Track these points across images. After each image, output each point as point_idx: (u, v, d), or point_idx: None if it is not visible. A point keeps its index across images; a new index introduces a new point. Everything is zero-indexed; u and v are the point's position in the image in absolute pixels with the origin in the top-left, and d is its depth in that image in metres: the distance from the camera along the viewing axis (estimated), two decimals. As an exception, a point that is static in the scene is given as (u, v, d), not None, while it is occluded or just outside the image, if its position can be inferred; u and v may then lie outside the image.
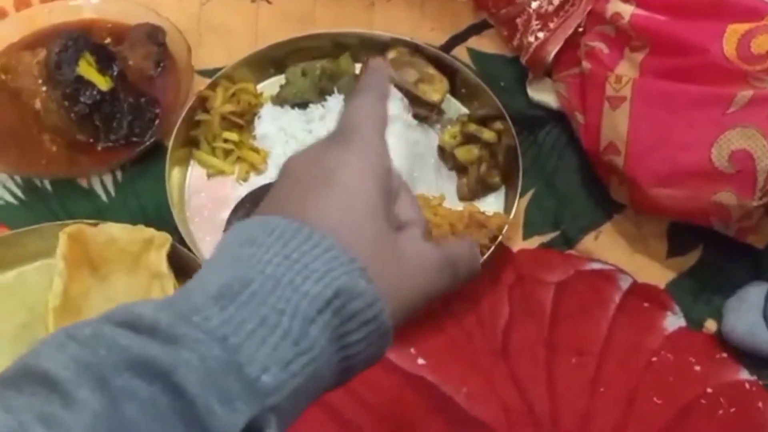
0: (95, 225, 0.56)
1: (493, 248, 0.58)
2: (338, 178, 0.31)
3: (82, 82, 0.61)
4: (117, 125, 0.63)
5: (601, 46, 0.65)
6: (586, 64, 0.65)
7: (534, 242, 0.63)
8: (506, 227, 0.59)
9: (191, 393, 0.24)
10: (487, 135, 0.65)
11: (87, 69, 0.60)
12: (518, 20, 0.72)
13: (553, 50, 0.69)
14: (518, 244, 0.63)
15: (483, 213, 0.60)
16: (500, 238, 0.58)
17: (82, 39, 0.62)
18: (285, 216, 0.29)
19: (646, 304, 0.61)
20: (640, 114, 0.60)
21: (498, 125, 0.66)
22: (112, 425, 0.23)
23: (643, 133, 0.60)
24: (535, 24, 0.70)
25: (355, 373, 0.30)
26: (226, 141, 0.66)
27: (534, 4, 0.70)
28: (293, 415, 0.28)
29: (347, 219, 0.30)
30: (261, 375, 0.25)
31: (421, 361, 0.56)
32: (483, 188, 0.65)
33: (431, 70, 0.71)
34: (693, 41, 0.59)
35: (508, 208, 0.64)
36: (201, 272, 0.29)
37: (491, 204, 0.65)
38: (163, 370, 0.24)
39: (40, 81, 0.62)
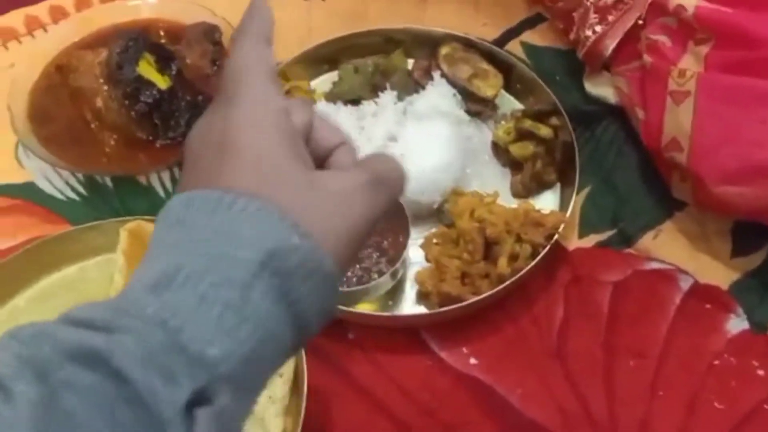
0: (154, 221, 0.57)
1: (549, 247, 0.56)
2: (236, 137, 0.30)
3: (142, 82, 0.62)
4: (175, 123, 0.64)
5: (663, 39, 0.63)
6: (647, 58, 0.63)
7: (590, 241, 0.62)
8: (562, 225, 0.58)
9: (132, 376, 0.24)
10: (543, 131, 0.64)
11: (147, 68, 0.62)
12: (575, 13, 0.70)
13: (611, 44, 0.67)
14: (574, 243, 0.62)
15: (538, 211, 0.59)
16: (556, 236, 0.57)
17: (142, 39, 0.63)
18: (203, 188, 0.29)
19: (707, 306, 0.59)
20: (706, 110, 0.58)
21: (554, 121, 0.65)
22: (50, 415, 0.24)
23: (709, 129, 0.57)
24: (592, 17, 0.68)
25: (314, 330, 0.29)
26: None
27: (592, -3, 0.68)
28: (255, 381, 0.28)
29: (263, 176, 0.29)
30: (206, 348, 0.26)
31: (473, 360, 0.55)
32: (538, 185, 0.64)
33: (485, 66, 0.70)
34: (760, 34, 0.57)
35: (563, 206, 0.63)
36: (140, 266, 0.29)
37: (546, 201, 0.64)
38: (103, 357, 0.25)
39: (101, 80, 0.64)
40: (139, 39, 0.63)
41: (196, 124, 0.32)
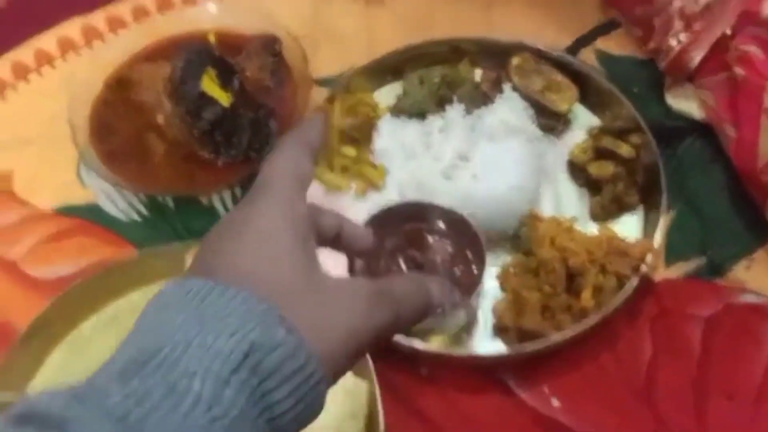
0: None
1: (637, 280, 0.53)
2: (247, 228, 0.30)
3: (205, 99, 0.60)
4: (237, 141, 0.62)
5: (755, 51, 0.59)
6: (738, 71, 0.59)
7: (677, 270, 0.58)
8: (650, 256, 0.54)
9: None
10: (625, 150, 0.60)
11: (210, 85, 0.60)
12: (656, 20, 0.66)
13: (698, 55, 0.63)
14: (659, 272, 0.58)
15: (623, 239, 0.55)
16: (644, 268, 0.54)
17: (205, 53, 0.61)
18: (200, 276, 0.28)
19: (806, 342, 0.55)
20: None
21: (635, 139, 0.61)
22: None
23: None
24: (677, 25, 0.64)
25: None
26: (343, 156, 0.64)
27: (676, 4, 0.64)
28: None
29: (261, 265, 0.29)
30: None
31: (555, 402, 0.52)
32: (618, 208, 0.60)
33: (558, 77, 0.66)
34: None
35: (646, 231, 0.59)
36: (120, 345, 0.27)
37: (626, 225, 0.60)
38: None
39: (164, 96, 0.62)
40: (202, 53, 0.61)
41: (220, 219, 0.32)
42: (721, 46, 0.62)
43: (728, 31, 0.61)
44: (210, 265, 0.29)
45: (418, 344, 0.53)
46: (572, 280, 0.54)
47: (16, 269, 0.63)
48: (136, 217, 0.64)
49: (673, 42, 0.64)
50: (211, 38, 0.70)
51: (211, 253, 0.30)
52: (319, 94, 0.68)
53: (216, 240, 0.30)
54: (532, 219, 0.57)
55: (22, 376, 0.54)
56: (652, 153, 0.60)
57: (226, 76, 0.62)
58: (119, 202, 0.65)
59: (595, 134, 0.63)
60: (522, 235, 0.58)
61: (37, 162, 0.69)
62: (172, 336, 0.26)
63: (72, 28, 0.79)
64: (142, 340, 0.26)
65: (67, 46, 0.78)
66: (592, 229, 0.59)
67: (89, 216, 0.64)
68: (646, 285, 0.56)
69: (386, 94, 0.70)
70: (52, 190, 0.67)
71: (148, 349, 0.25)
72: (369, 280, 0.31)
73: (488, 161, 0.59)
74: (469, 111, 0.64)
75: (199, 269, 0.29)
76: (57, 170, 0.68)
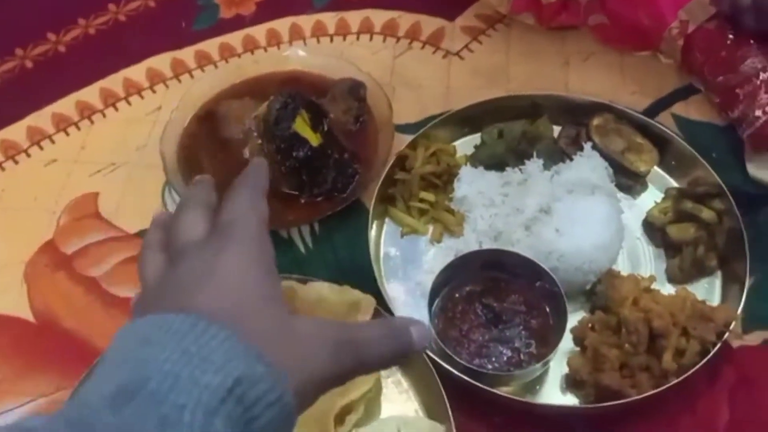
0: (305, 282, 0.56)
1: (719, 346, 0.53)
2: (220, 267, 0.31)
3: (297, 138, 0.62)
4: (322, 180, 0.64)
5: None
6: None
7: (756, 337, 0.57)
8: (734, 323, 0.54)
9: None
10: (707, 214, 0.60)
11: (302, 126, 0.62)
12: (739, 90, 0.67)
13: (781, 125, 0.63)
14: (738, 339, 0.57)
15: (704, 302, 0.55)
16: (727, 334, 0.53)
17: (299, 97, 0.63)
18: (177, 312, 0.29)
19: None
20: None
21: (717, 204, 0.61)
22: None
23: None
24: (762, 97, 0.64)
25: None
26: (422, 201, 0.66)
27: (762, 76, 0.65)
28: None
29: (239, 306, 0.30)
30: None
31: (631, 463, 0.52)
32: (697, 271, 0.60)
33: (639, 139, 0.67)
34: None
35: (724, 296, 0.59)
36: (94, 375, 0.28)
37: (703, 289, 0.60)
38: None
39: (254, 133, 0.64)
40: (297, 96, 0.63)
41: (187, 260, 0.33)
42: (805, 118, 0.62)
43: (814, 105, 0.62)
44: (184, 302, 0.30)
45: (494, 391, 0.53)
46: (654, 340, 0.53)
47: (97, 287, 0.65)
48: (217, 246, 0.66)
49: (758, 113, 0.65)
50: (283, 80, 0.72)
51: (185, 292, 0.31)
52: (397, 140, 0.70)
53: (190, 279, 0.32)
54: (610, 277, 0.58)
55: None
56: (734, 218, 0.60)
57: (317, 118, 0.64)
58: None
59: (675, 197, 0.63)
60: (599, 292, 0.58)
61: (123, 187, 0.72)
62: (160, 368, 0.27)
63: (162, 62, 0.82)
64: (127, 369, 0.27)
65: (156, 79, 0.81)
66: (668, 290, 0.59)
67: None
68: (726, 350, 0.55)
69: (464, 145, 0.71)
70: (137, 214, 0.69)
71: (135, 380, 0.27)
72: (337, 326, 0.33)
73: (571, 216, 0.60)
74: (547, 166, 0.66)
75: (172, 306, 0.30)
76: (142, 195, 0.70)
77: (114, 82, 0.81)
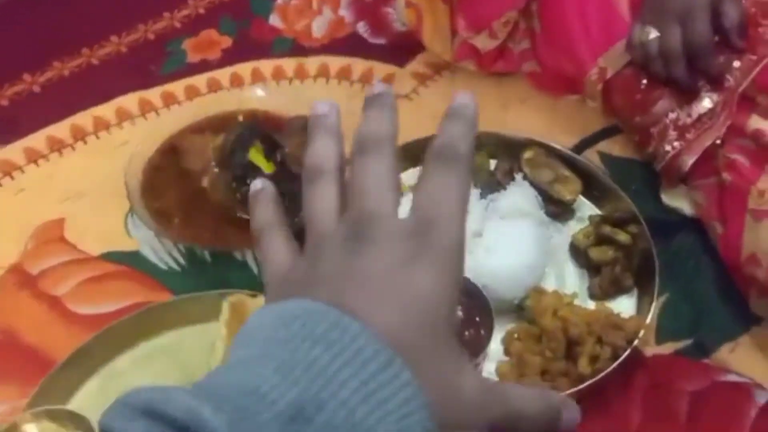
0: (254, 296, 0.61)
1: (629, 350, 0.58)
2: (411, 283, 0.26)
3: (250, 167, 0.67)
4: (274, 206, 0.69)
5: (741, 159, 0.67)
6: (726, 176, 0.66)
7: (667, 348, 0.63)
8: (642, 331, 0.60)
9: None
10: (622, 237, 0.67)
11: (256, 156, 0.67)
12: (653, 129, 0.74)
13: (689, 160, 0.70)
14: (651, 349, 0.63)
15: (618, 315, 0.61)
16: (636, 341, 0.59)
17: (255, 129, 0.69)
18: (363, 322, 0.24)
19: (785, 423, 0.59)
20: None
21: (632, 228, 0.68)
22: None
23: None
24: (671, 134, 0.72)
25: None
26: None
27: (671, 115, 0.72)
28: None
29: (421, 339, 0.25)
30: None
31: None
32: (615, 289, 0.66)
33: (566, 172, 0.74)
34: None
35: (640, 311, 0.65)
36: (253, 360, 0.24)
37: (622, 305, 0.66)
38: None
39: (212, 163, 0.70)
40: (252, 129, 0.69)
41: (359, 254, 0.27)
42: (711, 153, 0.70)
43: (718, 141, 0.69)
44: (359, 310, 0.25)
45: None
46: (571, 348, 0.59)
47: (60, 305, 0.68)
48: (175, 266, 0.71)
49: (668, 148, 0.72)
50: (243, 116, 0.78)
51: (358, 297, 0.26)
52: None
53: (364, 282, 0.26)
54: (536, 293, 0.63)
55: (59, 398, 0.58)
56: (646, 241, 0.66)
57: (271, 149, 0.70)
58: (161, 253, 0.71)
59: (596, 222, 0.69)
60: (526, 307, 0.63)
61: (88, 213, 0.76)
62: (335, 394, 0.23)
63: (130, 101, 0.88)
64: (301, 380, 0.23)
65: (124, 116, 0.87)
66: (590, 306, 0.65)
67: (132, 263, 0.71)
68: (638, 358, 0.61)
69: (409, 177, 0.77)
70: (100, 238, 0.73)
71: (313, 399, 0.23)
72: (500, 399, 0.28)
73: (501, 239, 0.66)
74: (483, 195, 0.72)
75: (340, 302, 0.25)
76: (106, 221, 0.75)
77: (84, 118, 0.86)
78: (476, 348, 0.60)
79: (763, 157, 0.65)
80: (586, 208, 0.74)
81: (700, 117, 0.72)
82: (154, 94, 0.89)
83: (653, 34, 0.72)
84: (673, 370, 0.61)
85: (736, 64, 0.71)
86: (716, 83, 0.71)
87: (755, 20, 0.73)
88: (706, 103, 0.72)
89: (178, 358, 0.62)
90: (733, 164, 0.66)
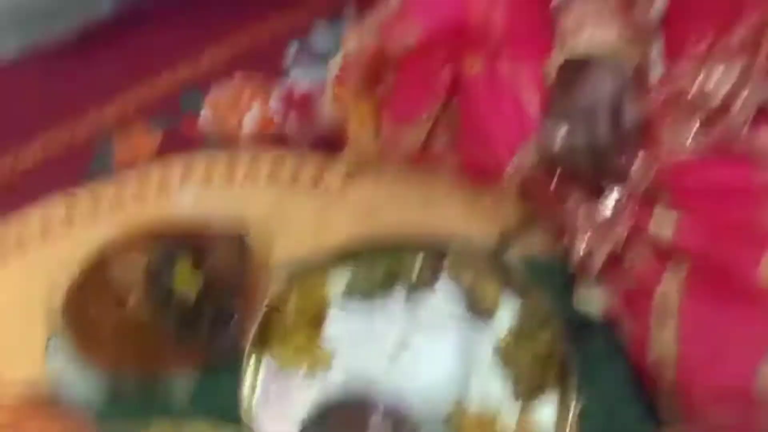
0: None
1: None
2: None
3: (175, 293, 0.68)
4: (200, 328, 0.70)
5: (645, 260, 0.70)
6: (631, 279, 0.69)
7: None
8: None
9: None
10: (543, 337, 0.69)
11: (181, 276, 0.68)
12: (566, 224, 0.77)
13: (599, 258, 0.73)
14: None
15: None
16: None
17: (179, 248, 0.70)
18: None
19: None
20: (689, 332, 0.62)
21: (551, 330, 0.71)
22: None
23: (693, 350, 0.62)
24: (583, 229, 0.74)
25: None
26: (297, 338, 0.72)
27: (582, 209, 0.74)
28: None
29: None
30: None
31: None
32: (537, 391, 0.69)
33: (488, 271, 0.77)
34: (732, 268, 0.63)
35: (561, 415, 0.67)
36: None
37: (544, 406, 0.68)
38: None
39: (137, 283, 0.70)
40: (178, 246, 0.70)
41: None
42: (618, 253, 0.73)
43: (623, 241, 0.72)
44: None
45: None
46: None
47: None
48: (98, 396, 0.70)
49: (580, 244, 0.75)
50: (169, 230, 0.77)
51: None
52: (275, 279, 0.76)
53: None
54: (458, 415, 0.66)
55: None
56: (563, 343, 0.69)
57: (196, 267, 0.71)
58: (84, 379, 0.70)
59: (517, 323, 0.72)
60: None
61: (6, 336, 0.75)
62: None
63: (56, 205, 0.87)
64: None
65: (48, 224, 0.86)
66: (514, 413, 0.67)
67: (52, 389, 0.70)
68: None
69: (336, 280, 0.79)
70: (19, 362, 0.72)
71: None
72: None
73: (423, 352, 0.69)
74: (409, 298, 0.74)
75: None
76: (26, 344, 0.74)
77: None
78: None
79: (665, 259, 0.68)
80: (511, 308, 0.76)
81: (608, 213, 0.75)
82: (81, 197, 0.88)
83: (561, 131, 0.75)
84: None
85: (636, 162, 0.74)
86: (620, 181, 0.74)
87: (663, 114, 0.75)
88: (612, 200, 0.75)
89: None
90: (638, 265, 0.69)
